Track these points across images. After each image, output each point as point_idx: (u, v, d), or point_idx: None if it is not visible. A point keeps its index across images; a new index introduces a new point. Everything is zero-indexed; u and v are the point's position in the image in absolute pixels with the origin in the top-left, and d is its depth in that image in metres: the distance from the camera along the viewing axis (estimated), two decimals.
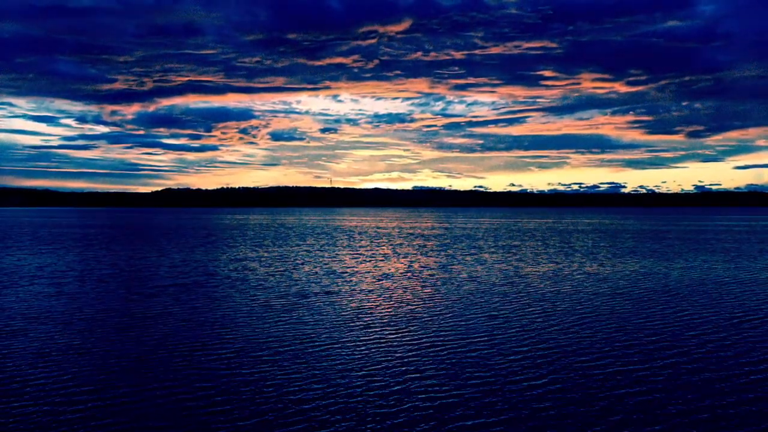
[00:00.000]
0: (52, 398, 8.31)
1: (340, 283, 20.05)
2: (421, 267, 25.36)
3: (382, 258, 29.61)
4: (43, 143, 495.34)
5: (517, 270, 24.19)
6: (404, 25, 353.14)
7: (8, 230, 61.25)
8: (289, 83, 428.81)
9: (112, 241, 42.87)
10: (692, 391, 8.64)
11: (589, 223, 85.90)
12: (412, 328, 12.89)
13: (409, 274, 22.98)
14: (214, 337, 12.01)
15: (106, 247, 37.36)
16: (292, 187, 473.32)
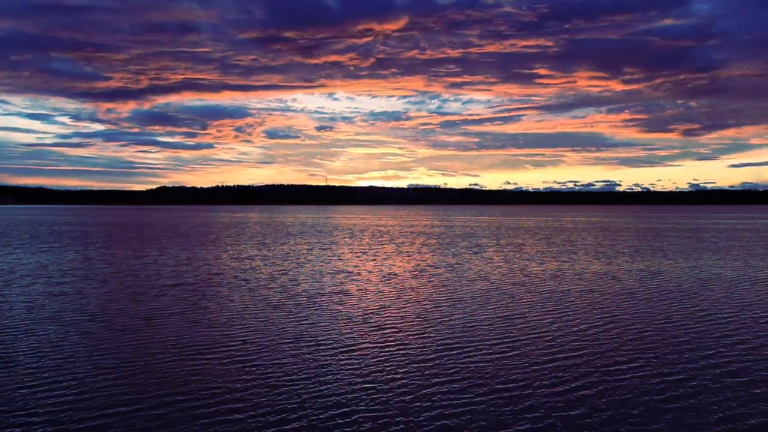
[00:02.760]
0: (55, 400, 8.03)
1: (347, 283, 19.79)
2: (428, 265, 25.12)
3: (387, 256, 29.36)
4: (38, 141, 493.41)
5: (525, 268, 23.98)
6: (400, 23, 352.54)
7: (6, 228, 60.73)
8: (284, 81, 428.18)
9: (111, 240, 42.49)
10: (725, 393, 8.42)
11: (589, 221, 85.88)
12: (426, 328, 12.64)
13: (416, 272, 22.74)
14: (222, 338, 11.74)
15: (106, 245, 37.00)
16: (288, 185, 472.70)
